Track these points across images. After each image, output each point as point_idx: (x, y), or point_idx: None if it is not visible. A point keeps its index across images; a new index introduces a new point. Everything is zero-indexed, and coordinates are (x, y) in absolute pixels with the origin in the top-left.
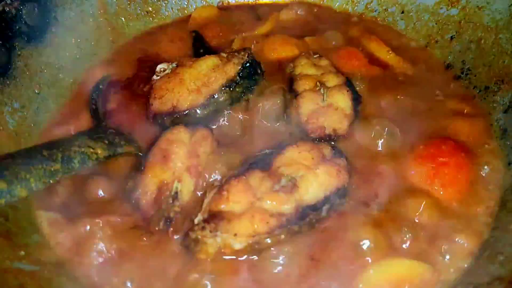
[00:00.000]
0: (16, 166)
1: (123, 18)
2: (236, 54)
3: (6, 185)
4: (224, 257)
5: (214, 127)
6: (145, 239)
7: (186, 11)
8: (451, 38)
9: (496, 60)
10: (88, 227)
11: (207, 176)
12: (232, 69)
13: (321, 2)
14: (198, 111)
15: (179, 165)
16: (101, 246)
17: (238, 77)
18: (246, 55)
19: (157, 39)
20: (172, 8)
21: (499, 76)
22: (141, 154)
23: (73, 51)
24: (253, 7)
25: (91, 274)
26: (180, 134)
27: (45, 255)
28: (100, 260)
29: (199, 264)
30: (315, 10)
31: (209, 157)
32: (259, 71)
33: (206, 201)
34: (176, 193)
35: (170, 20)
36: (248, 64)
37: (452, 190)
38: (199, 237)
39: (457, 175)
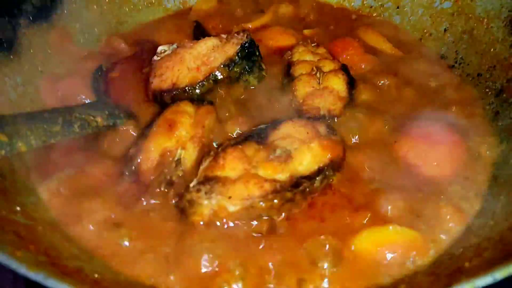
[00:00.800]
0: (18, 123)
1: (126, 8)
2: (235, 35)
3: (7, 138)
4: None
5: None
6: (143, 200)
7: (188, 4)
8: (445, 30)
9: (488, 48)
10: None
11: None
12: (231, 49)
13: None
14: (197, 88)
15: (184, 134)
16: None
17: (237, 57)
18: (245, 36)
19: (159, 29)
20: (174, 1)
21: (491, 63)
22: (140, 125)
23: (76, 35)
24: (253, 1)
25: (87, 235)
26: (187, 107)
27: (40, 214)
28: (97, 224)
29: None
30: (314, 4)
31: (212, 131)
32: (257, 53)
33: (201, 167)
34: (179, 159)
35: (172, 12)
36: (247, 45)
37: (446, 166)
38: (194, 198)
39: (452, 152)
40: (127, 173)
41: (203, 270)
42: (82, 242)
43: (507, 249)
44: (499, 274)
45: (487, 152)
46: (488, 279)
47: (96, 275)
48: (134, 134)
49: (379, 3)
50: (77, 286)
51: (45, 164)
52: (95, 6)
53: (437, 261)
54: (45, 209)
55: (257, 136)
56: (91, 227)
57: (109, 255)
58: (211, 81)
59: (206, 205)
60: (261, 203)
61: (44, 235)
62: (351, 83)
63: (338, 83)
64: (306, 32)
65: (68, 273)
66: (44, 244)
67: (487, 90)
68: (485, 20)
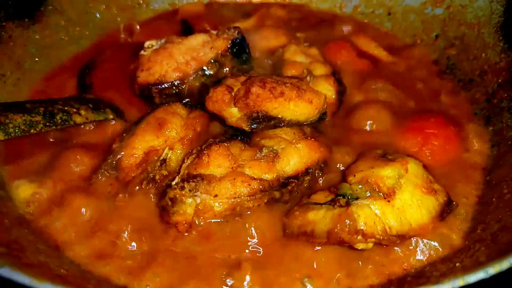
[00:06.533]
0: None
1: (114, 8)
2: (226, 31)
3: None
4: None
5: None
6: (121, 197)
7: (176, 6)
8: (436, 36)
9: (479, 54)
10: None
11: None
12: (222, 44)
13: (311, 4)
14: (186, 83)
15: (174, 135)
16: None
17: (227, 53)
18: (237, 32)
19: (146, 27)
20: (162, 2)
21: (482, 68)
22: (125, 121)
23: (60, 32)
24: (241, 6)
25: (58, 232)
26: (179, 108)
27: (7, 208)
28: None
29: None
30: (304, 10)
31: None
32: (247, 50)
33: (184, 165)
34: (165, 159)
35: (159, 12)
36: (237, 41)
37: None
38: (177, 196)
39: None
40: (106, 168)
41: None
42: (51, 238)
43: (500, 248)
44: (493, 269)
45: (480, 156)
46: (480, 275)
47: (62, 271)
48: (118, 129)
49: (371, 10)
50: (35, 277)
51: (17, 157)
52: (81, 5)
53: (428, 264)
54: (14, 204)
55: (241, 134)
56: (63, 224)
57: (79, 252)
58: (200, 76)
59: (190, 203)
60: (249, 202)
61: (9, 228)
62: (341, 90)
63: (328, 89)
64: (299, 35)
65: (29, 266)
66: (7, 237)
67: (479, 95)
68: (476, 26)
